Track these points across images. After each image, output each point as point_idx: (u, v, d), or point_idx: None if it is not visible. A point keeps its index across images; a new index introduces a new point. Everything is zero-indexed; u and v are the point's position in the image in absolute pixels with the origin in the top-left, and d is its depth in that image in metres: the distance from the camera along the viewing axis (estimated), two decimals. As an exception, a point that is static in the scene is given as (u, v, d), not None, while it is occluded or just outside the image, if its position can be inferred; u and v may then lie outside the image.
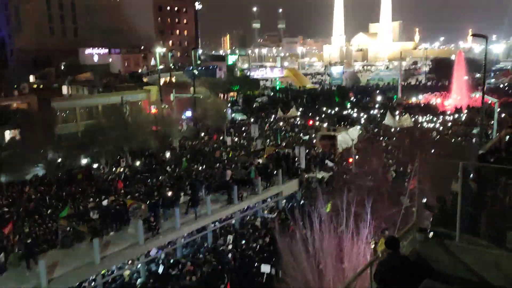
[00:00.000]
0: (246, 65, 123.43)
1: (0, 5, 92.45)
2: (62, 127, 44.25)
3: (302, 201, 26.87)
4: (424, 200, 10.05)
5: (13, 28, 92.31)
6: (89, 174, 32.52)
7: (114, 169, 35.85)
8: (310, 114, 61.04)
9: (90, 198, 26.37)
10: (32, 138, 35.37)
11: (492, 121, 38.29)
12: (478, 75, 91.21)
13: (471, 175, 7.86)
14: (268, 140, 44.45)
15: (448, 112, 57.02)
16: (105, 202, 21.98)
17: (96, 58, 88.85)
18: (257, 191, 26.15)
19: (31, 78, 72.32)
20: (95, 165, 36.16)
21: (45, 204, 26.05)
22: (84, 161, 36.73)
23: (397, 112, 54.59)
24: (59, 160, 35.95)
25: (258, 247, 21.25)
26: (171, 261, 21.27)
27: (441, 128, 45.32)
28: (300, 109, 64.79)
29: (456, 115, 54.46)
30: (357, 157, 29.66)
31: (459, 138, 37.94)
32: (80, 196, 27.49)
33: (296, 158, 30.92)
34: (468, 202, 7.42)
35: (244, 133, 48.88)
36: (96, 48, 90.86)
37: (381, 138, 40.61)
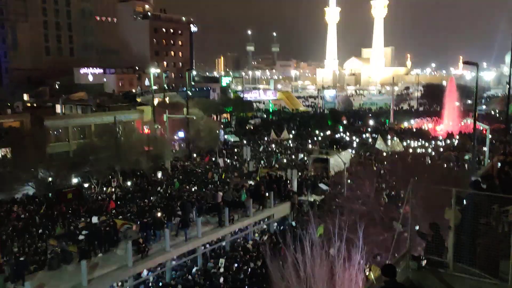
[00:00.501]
0: (239, 87, 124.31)
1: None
2: (54, 146, 43.90)
3: (293, 224, 26.65)
4: (417, 228, 10.00)
5: (9, 47, 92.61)
6: (79, 194, 32.13)
7: (104, 189, 35.52)
8: (303, 137, 61.28)
9: (81, 217, 26.01)
10: (24, 156, 35.01)
11: (484, 147, 38.64)
12: (469, 101, 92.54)
13: (464, 202, 7.84)
14: (262, 161, 44.45)
15: (440, 138, 57.47)
16: (94, 220, 21.70)
17: (91, 78, 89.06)
18: (248, 214, 25.95)
19: (25, 97, 72.23)
20: (86, 185, 35.82)
21: (34, 224, 25.60)
22: (75, 180, 36.37)
23: (389, 137, 54.97)
24: (50, 179, 35.55)
25: (249, 270, 20.95)
26: (160, 284, 20.87)
27: (433, 153, 45.58)
28: (293, 132, 65.07)
29: (448, 141, 54.88)
30: (348, 180, 29.62)
31: (451, 164, 38.11)
32: (71, 215, 27.11)
33: (288, 181, 30.85)
34: (461, 230, 7.38)
35: (236, 156, 48.86)
36: (91, 67, 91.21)
37: (373, 162, 40.71)
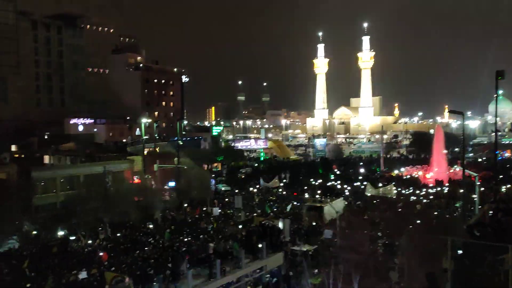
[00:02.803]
0: (230, 136, 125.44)
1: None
2: (41, 198, 43.12)
3: (287, 275, 25.92)
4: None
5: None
6: (64, 247, 31.16)
7: (90, 241, 34.54)
8: (294, 185, 61.06)
9: (72, 270, 25.21)
10: (8, 209, 34.18)
11: (474, 195, 38.68)
12: (456, 149, 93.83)
13: (459, 252, 7.70)
14: (255, 210, 43.92)
15: (431, 185, 57.66)
16: (83, 275, 20.93)
17: (81, 128, 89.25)
18: (240, 265, 25.24)
19: (14, 148, 71.71)
20: (72, 237, 34.84)
21: (24, 278, 24.72)
22: (60, 233, 35.39)
23: (380, 184, 55.02)
24: (35, 232, 34.60)
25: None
26: None
27: (424, 200, 45.53)
28: (284, 180, 64.89)
29: (438, 188, 55.04)
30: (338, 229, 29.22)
31: (442, 212, 37.98)
32: (60, 269, 26.24)
33: (281, 230, 30.34)
34: (458, 280, 7.19)
35: (227, 205, 48.32)
36: (82, 118, 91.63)
37: (365, 210, 40.46)
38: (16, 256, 29.94)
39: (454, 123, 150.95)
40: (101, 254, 29.55)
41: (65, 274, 24.53)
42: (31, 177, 43.99)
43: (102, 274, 21.76)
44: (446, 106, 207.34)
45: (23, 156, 61.59)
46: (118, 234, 35.92)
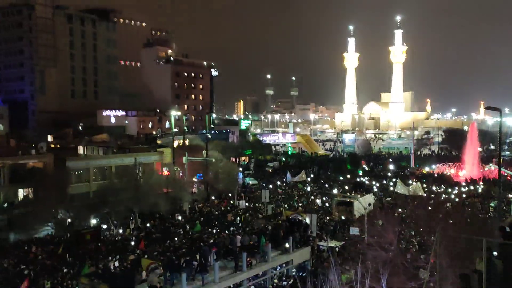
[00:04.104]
0: (258, 130, 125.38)
1: (26, 68, 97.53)
2: (75, 187, 44.45)
3: (313, 271, 25.89)
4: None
5: (37, 91, 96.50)
6: (97, 235, 32.13)
7: (121, 230, 35.46)
8: (322, 180, 60.71)
9: (107, 257, 26.20)
10: (45, 197, 35.48)
11: (509, 194, 37.51)
12: (492, 146, 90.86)
13: (495, 253, 7.51)
14: (286, 204, 43.95)
15: (463, 184, 56.16)
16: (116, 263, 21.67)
17: (113, 120, 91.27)
18: (267, 259, 25.36)
19: (50, 138, 74.16)
20: (104, 226, 35.86)
21: (63, 262, 25.91)
22: (93, 221, 36.46)
23: (410, 181, 54.00)
24: (69, 220, 35.78)
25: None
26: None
27: (456, 199, 44.43)
28: (311, 175, 64.56)
29: (471, 187, 53.55)
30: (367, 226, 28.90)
31: (475, 211, 36.98)
32: (95, 255, 27.25)
33: (309, 225, 30.26)
34: (494, 282, 7.01)
35: (254, 198, 48.52)
36: (114, 110, 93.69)
37: (395, 208, 39.85)
38: (52, 242, 31.14)
39: (491, 120, 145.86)
40: (134, 242, 30.37)
41: (101, 260, 25.34)
42: (66, 167, 45.39)
43: (138, 261, 22.42)
44: (482, 102, 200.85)
45: (58, 146, 63.50)
46: (148, 225, 36.71)
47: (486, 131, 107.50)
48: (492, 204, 39.62)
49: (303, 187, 55.62)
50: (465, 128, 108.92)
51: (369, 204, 30.56)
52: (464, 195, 47.66)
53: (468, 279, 7.48)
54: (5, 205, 39.17)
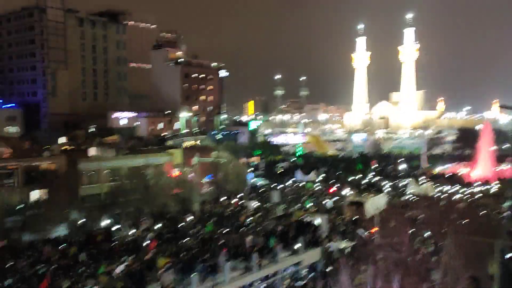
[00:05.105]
0: (268, 131, 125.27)
1: (38, 71, 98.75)
2: (86, 188, 44.81)
3: (324, 272, 25.81)
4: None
5: (48, 93, 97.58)
6: (108, 236, 32.34)
7: (132, 231, 35.59)
8: (332, 180, 60.43)
9: (120, 257, 26.39)
10: (58, 198, 35.82)
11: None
12: (507, 145, 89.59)
13: (507, 255, 7.39)
14: (294, 204, 43.83)
15: (476, 184, 55.46)
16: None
17: (123, 121, 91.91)
18: (277, 260, 25.35)
19: (63, 140, 74.88)
20: (115, 227, 36.03)
21: (77, 262, 26.22)
22: (105, 222, 36.68)
23: (421, 181, 53.54)
24: (81, 221, 36.07)
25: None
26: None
27: (469, 199, 43.91)
28: (322, 175, 64.26)
29: (484, 187, 52.88)
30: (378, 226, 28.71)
31: (489, 211, 36.50)
32: (109, 255, 27.51)
33: (319, 226, 30.19)
34: (506, 285, 6.91)
35: (264, 199, 48.43)
36: (124, 111, 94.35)
37: (407, 208, 39.52)
38: (65, 242, 31.40)
39: (503, 119, 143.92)
40: (147, 242, 30.51)
41: (116, 260, 25.60)
42: (78, 168, 45.79)
43: (154, 260, 22.54)
44: (497, 101, 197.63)
45: (70, 148, 64.03)
46: (159, 225, 36.82)
47: (500, 130, 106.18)
48: (505, 204, 39.12)
49: (312, 185, 55.44)
50: (478, 127, 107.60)
51: (381, 204, 30.41)
52: (477, 196, 47.09)
53: (478, 281, 7.40)
54: (20, 206, 39.60)
